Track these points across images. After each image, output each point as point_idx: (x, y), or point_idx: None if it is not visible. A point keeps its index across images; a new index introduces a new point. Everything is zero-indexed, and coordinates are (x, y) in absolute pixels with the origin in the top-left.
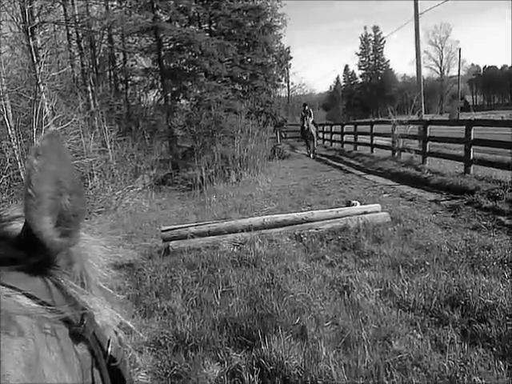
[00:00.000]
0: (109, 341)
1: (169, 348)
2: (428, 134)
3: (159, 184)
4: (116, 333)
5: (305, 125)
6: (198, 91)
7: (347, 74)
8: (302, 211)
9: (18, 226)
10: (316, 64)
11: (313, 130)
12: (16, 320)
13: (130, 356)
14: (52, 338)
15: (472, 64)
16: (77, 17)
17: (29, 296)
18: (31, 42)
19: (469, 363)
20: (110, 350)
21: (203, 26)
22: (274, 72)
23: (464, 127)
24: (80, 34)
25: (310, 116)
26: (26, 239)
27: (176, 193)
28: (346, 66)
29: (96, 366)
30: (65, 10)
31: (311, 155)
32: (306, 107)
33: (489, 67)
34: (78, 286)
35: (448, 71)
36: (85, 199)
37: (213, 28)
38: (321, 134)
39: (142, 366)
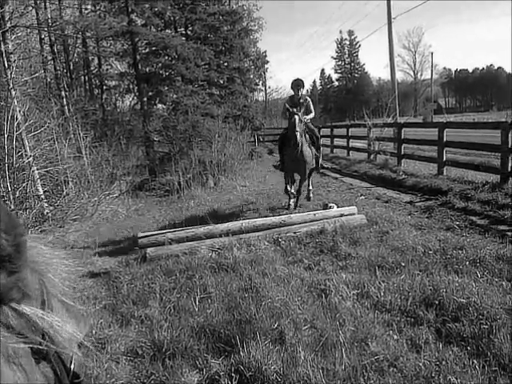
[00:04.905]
0: (71, 358)
1: (146, 357)
2: (402, 137)
3: (136, 190)
4: (79, 347)
5: (298, 142)
6: (175, 96)
7: (323, 78)
8: (280, 215)
9: None
10: (293, 68)
11: (307, 149)
12: None
13: (106, 367)
14: (15, 359)
15: (444, 68)
16: (49, 21)
17: None
18: (3, 47)
19: (444, 363)
20: (72, 367)
21: (179, 30)
22: (251, 76)
23: (437, 129)
24: (53, 38)
25: (308, 112)
26: None
27: (153, 198)
28: (323, 70)
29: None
30: (37, 13)
31: (292, 204)
32: (300, 91)
33: (460, 70)
34: (36, 307)
35: (421, 75)
36: (22, 231)
37: (189, 32)
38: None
39: (119, 377)
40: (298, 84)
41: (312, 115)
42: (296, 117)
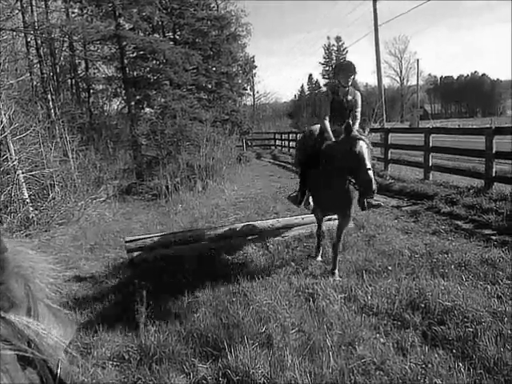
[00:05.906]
0: (58, 363)
1: (133, 361)
2: (389, 142)
3: (123, 194)
4: (65, 353)
5: (374, 188)
6: (163, 100)
7: (311, 83)
8: (268, 219)
9: None
10: (281, 73)
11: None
12: None
13: (92, 372)
14: (1, 365)
15: (429, 74)
16: (36, 24)
17: None
18: None
19: (430, 365)
20: (59, 372)
21: (167, 34)
22: (239, 81)
23: (423, 135)
24: (39, 41)
25: (354, 118)
26: None
27: (141, 202)
28: (310, 75)
29: None
30: (24, 16)
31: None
32: (350, 81)
33: (445, 77)
34: (23, 315)
35: (407, 81)
36: (3, 248)
37: (177, 37)
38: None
39: (105, 382)
40: (348, 69)
41: (358, 121)
42: (362, 144)
